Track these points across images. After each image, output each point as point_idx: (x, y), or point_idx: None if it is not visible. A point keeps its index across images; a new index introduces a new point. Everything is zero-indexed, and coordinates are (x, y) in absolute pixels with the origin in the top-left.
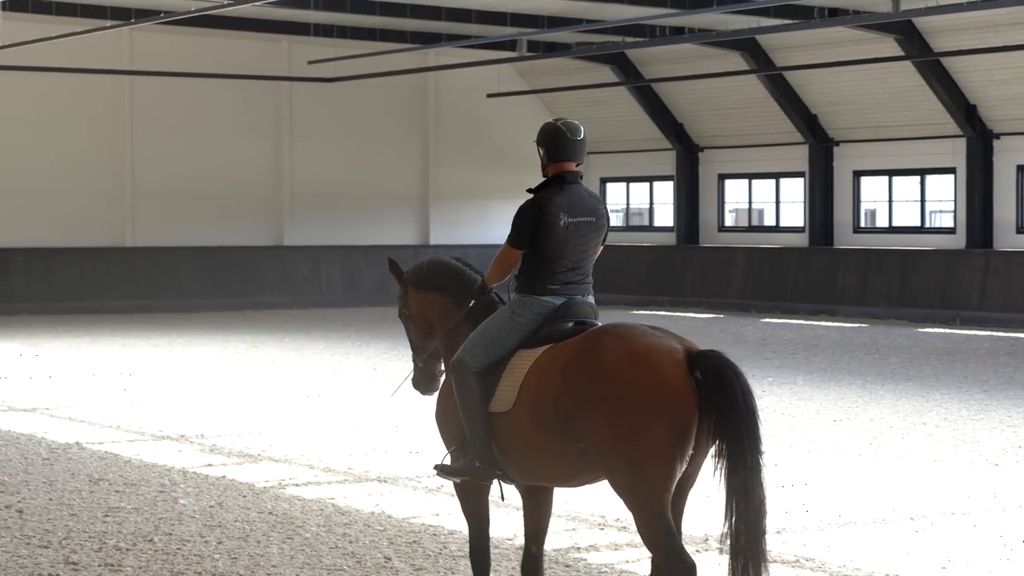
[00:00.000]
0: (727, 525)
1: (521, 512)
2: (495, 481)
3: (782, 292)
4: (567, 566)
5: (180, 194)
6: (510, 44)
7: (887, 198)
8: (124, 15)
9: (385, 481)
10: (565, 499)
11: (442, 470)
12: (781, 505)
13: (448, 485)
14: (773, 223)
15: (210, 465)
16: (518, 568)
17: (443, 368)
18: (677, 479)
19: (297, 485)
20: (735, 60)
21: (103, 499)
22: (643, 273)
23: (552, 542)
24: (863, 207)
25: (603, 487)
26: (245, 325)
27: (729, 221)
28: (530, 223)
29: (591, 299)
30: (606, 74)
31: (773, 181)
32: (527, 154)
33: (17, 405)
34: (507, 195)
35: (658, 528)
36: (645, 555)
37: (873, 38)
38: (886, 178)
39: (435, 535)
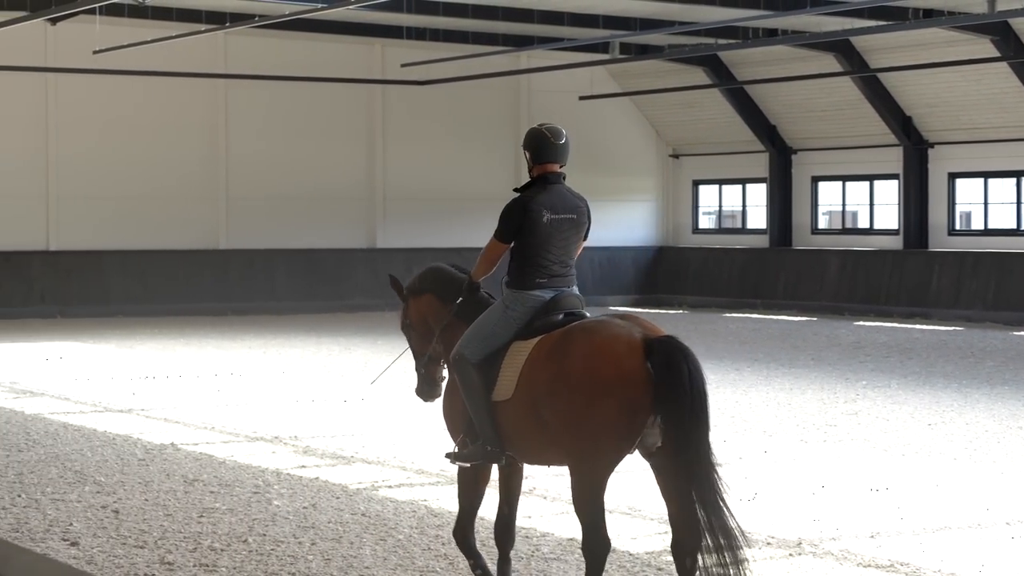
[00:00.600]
0: (695, 514)
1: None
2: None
3: (876, 295)
4: (659, 569)
5: (274, 196)
6: (603, 46)
7: (982, 200)
8: (219, 19)
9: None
10: (655, 502)
11: (455, 457)
12: (875, 509)
13: (547, 489)
14: (867, 225)
15: (304, 466)
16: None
17: (444, 372)
18: (621, 456)
19: (390, 487)
20: (829, 62)
21: (198, 500)
22: (735, 276)
23: (644, 545)
24: (958, 209)
25: None
26: (338, 327)
27: (822, 223)
28: (515, 219)
29: (576, 291)
30: (699, 76)
31: (867, 183)
32: (619, 156)
33: (113, 406)
34: (599, 197)
35: (592, 501)
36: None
37: (968, 39)
38: (981, 180)
39: (527, 537)
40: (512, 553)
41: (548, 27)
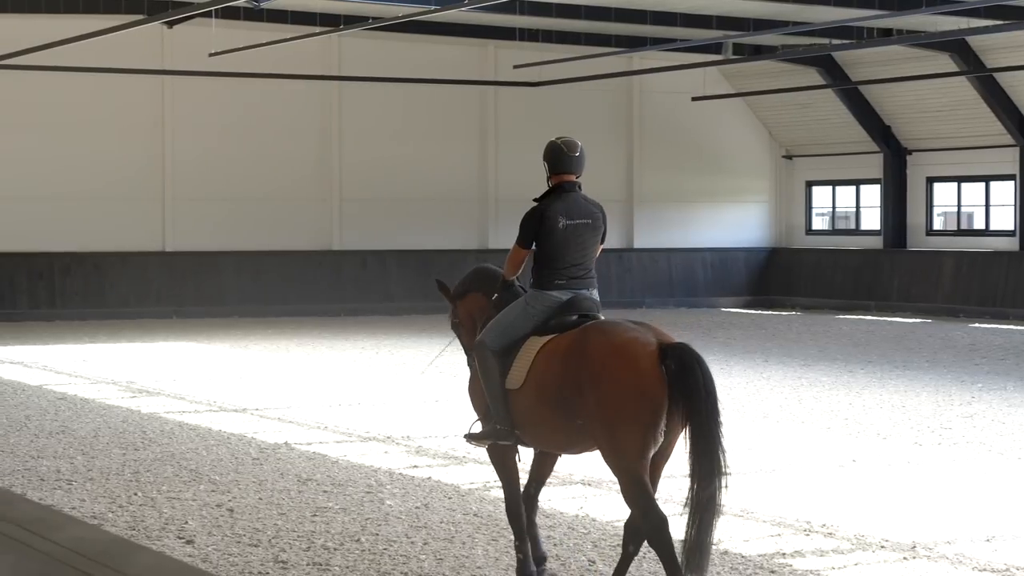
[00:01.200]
0: (692, 488)
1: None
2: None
3: (992, 297)
4: (772, 572)
5: (386, 198)
6: (715, 47)
7: None
8: (333, 21)
9: (589, 484)
10: (769, 504)
11: (470, 437)
12: (991, 513)
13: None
14: (983, 227)
15: (416, 467)
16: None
17: None
18: (653, 450)
19: (502, 487)
20: (944, 62)
21: (311, 499)
22: (849, 277)
23: (756, 547)
24: None
25: (806, 494)
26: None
27: (937, 224)
28: (534, 226)
29: (595, 293)
30: (812, 76)
31: (983, 184)
32: (732, 158)
33: (228, 406)
34: (711, 199)
35: (636, 489)
36: (852, 562)
37: None
38: None
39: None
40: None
41: (661, 28)
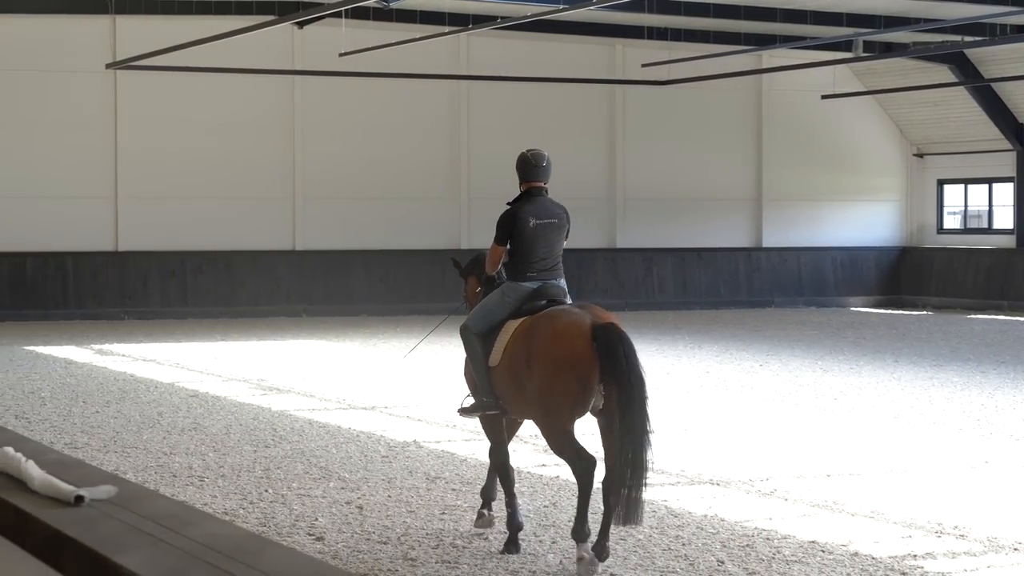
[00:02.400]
0: (624, 449)
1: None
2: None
3: None
4: (903, 574)
5: (512, 197)
6: (845, 44)
7: None
8: (462, 21)
9: (718, 484)
10: (900, 505)
11: (463, 411)
12: None
13: (788, 490)
14: None
15: (544, 465)
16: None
17: None
18: (581, 415)
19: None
20: None
21: (440, 497)
22: (981, 277)
23: (887, 549)
24: None
25: (937, 495)
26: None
27: None
28: (508, 226)
29: (562, 282)
30: (944, 74)
31: None
32: (862, 156)
33: (357, 403)
34: (841, 197)
35: (563, 440)
36: (984, 564)
37: None
38: None
39: (768, 539)
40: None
41: (790, 25)
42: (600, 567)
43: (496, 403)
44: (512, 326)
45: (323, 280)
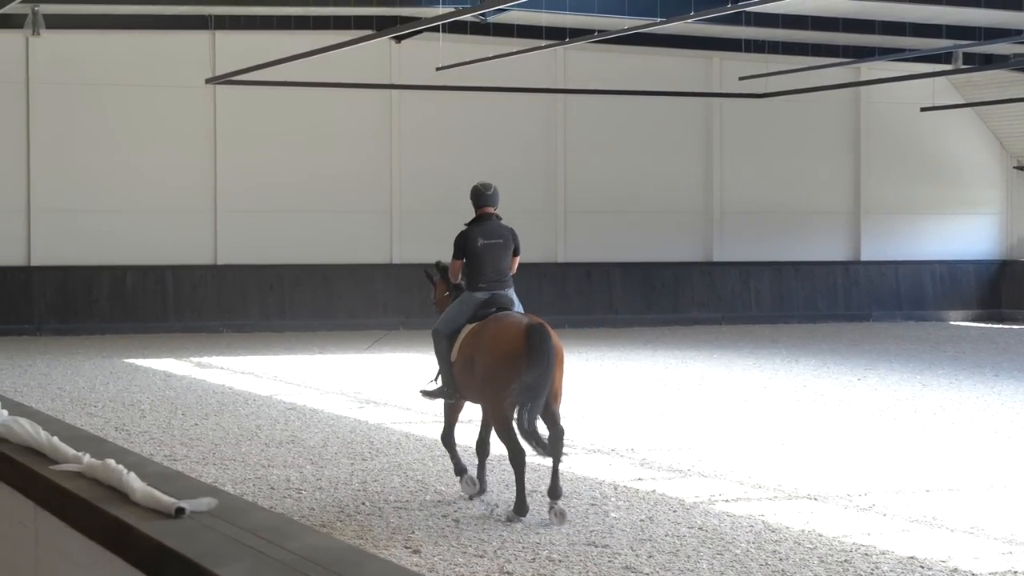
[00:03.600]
0: (525, 415)
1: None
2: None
3: None
4: None
5: (609, 210)
6: (945, 56)
7: None
8: (559, 35)
9: (815, 499)
10: (1000, 521)
11: (424, 393)
12: None
13: (886, 506)
14: None
15: (640, 479)
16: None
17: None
18: (519, 402)
19: (727, 501)
20: None
21: (536, 510)
22: None
23: (987, 565)
24: None
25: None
26: (674, 340)
27: None
28: (461, 244)
29: (510, 292)
30: None
31: None
32: (961, 168)
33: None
34: (941, 210)
35: (502, 426)
36: None
37: None
38: None
39: (866, 554)
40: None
41: (889, 37)
42: (560, 504)
43: (455, 393)
44: (468, 328)
45: (419, 292)
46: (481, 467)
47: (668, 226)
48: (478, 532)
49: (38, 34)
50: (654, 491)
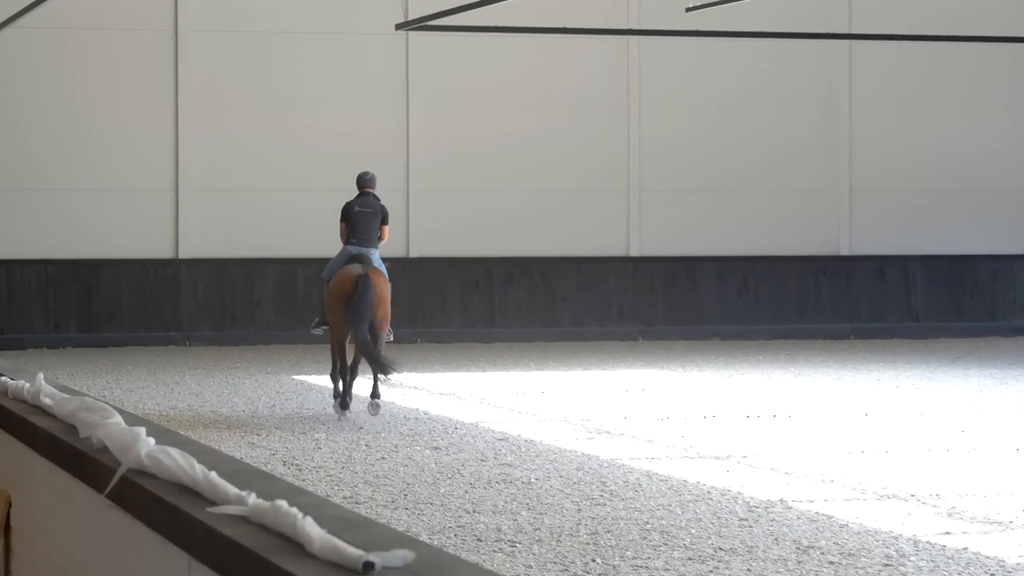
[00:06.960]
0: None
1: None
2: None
3: None
4: None
5: (907, 188)
6: None
7: None
8: None
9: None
10: None
11: (315, 325)
12: None
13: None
14: None
15: (948, 533)
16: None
17: None
18: (348, 331)
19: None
20: None
21: (814, 571)
22: None
23: None
24: None
25: None
26: (991, 355)
27: None
28: (345, 212)
29: (372, 250)
30: None
31: None
32: None
33: (707, 451)
34: None
35: (336, 352)
36: None
37: None
38: None
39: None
40: None
41: None
42: (379, 402)
43: (321, 324)
44: (339, 274)
45: (664, 294)
46: (348, 386)
47: (985, 209)
48: None
49: None
50: (966, 548)
